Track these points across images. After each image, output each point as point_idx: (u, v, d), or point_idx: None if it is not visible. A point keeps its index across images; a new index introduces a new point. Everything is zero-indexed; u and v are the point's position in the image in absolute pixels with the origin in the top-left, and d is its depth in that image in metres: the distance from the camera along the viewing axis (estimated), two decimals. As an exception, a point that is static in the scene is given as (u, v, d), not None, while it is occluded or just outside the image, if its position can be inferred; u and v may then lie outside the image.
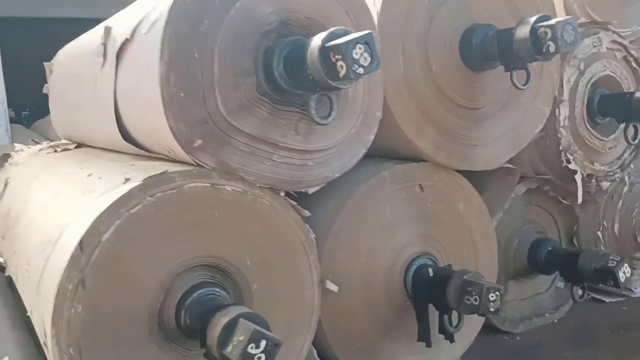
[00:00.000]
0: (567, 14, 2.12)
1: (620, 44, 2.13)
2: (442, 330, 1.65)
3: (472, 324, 1.85)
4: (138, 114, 1.47)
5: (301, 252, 1.49)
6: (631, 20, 2.33)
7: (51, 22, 7.22)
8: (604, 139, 2.12)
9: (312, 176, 1.49)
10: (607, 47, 2.09)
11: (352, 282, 1.63)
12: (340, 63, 1.19)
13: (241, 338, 1.13)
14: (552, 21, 1.52)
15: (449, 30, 1.69)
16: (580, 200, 2.09)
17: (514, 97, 1.82)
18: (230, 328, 1.15)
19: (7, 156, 2.74)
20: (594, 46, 2.06)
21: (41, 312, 1.28)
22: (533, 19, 1.55)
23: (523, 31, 1.55)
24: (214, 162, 1.35)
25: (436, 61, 1.67)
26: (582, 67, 2.02)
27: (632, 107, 1.98)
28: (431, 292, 1.65)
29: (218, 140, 1.34)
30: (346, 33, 1.22)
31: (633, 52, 2.16)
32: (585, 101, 2.05)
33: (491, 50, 1.65)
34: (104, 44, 1.61)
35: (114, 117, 1.58)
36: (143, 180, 1.27)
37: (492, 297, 1.51)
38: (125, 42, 1.47)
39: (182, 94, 1.28)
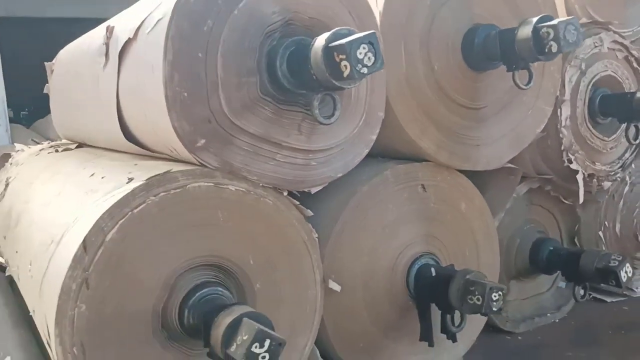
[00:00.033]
0: (568, 14, 2.12)
1: (622, 44, 2.14)
2: (444, 329, 1.65)
3: (474, 324, 1.85)
4: (141, 113, 1.47)
5: (304, 252, 1.49)
6: (632, 20, 2.34)
7: (51, 21, 7.22)
8: (605, 138, 2.13)
9: (315, 176, 1.49)
10: (608, 48, 2.10)
11: (355, 282, 1.63)
12: (344, 63, 1.19)
13: (245, 337, 1.13)
14: (555, 21, 1.52)
15: (451, 30, 1.69)
16: (581, 200, 2.10)
17: (515, 97, 1.83)
18: (234, 327, 1.15)
19: (7, 156, 2.74)
20: (595, 46, 2.07)
21: (44, 311, 1.28)
22: (535, 19, 1.55)
23: (525, 31, 1.56)
24: (217, 162, 1.35)
25: (438, 61, 1.68)
26: (583, 67, 2.03)
27: (633, 107, 1.99)
28: (433, 292, 1.65)
29: (221, 140, 1.34)
30: (350, 33, 1.22)
31: (634, 52, 2.17)
32: (587, 101, 2.05)
33: (493, 50, 1.65)
34: (106, 44, 1.61)
35: (116, 116, 1.58)
36: (146, 180, 1.27)
37: (495, 296, 1.51)
38: (128, 42, 1.47)
39: (186, 94, 1.28)
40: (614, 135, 2.15)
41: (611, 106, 2.06)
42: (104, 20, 1.79)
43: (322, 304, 1.55)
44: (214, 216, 1.35)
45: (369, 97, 1.55)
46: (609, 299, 2.36)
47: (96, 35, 1.78)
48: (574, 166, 2.04)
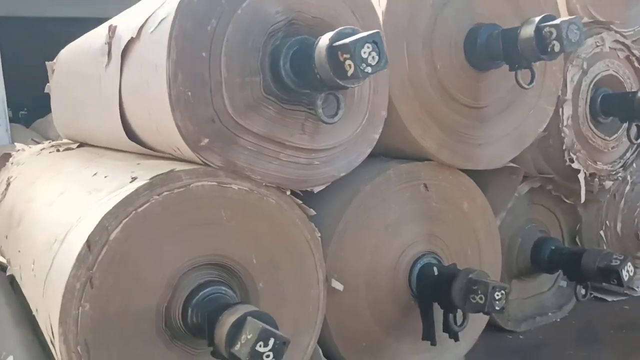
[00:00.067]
0: (569, 14, 2.12)
1: (623, 43, 2.15)
2: (446, 329, 1.65)
3: (476, 323, 1.85)
4: (144, 112, 1.47)
5: (307, 251, 1.49)
6: (634, 20, 2.34)
7: (51, 21, 7.21)
8: (607, 138, 2.13)
9: (318, 175, 1.49)
10: (609, 47, 2.10)
11: (357, 281, 1.63)
12: (348, 62, 1.19)
13: (249, 336, 1.13)
14: (557, 21, 1.52)
15: (454, 29, 1.69)
16: (583, 200, 2.10)
17: (517, 96, 1.83)
18: (238, 326, 1.15)
19: (8, 156, 2.73)
20: (597, 46, 2.07)
21: (48, 310, 1.28)
22: (538, 18, 1.55)
23: (528, 31, 1.56)
24: (221, 161, 1.35)
25: (441, 61, 1.68)
26: (585, 66, 2.03)
27: (635, 106, 1.99)
28: (436, 291, 1.65)
29: (225, 139, 1.34)
30: (354, 32, 1.22)
31: (635, 51, 2.17)
32: (588, 100, 2.06)
33: (496, 50, 1.65)
34: (109, 43, 1.61)
35: (119, 116, 1.58)
36: (150, 179, 1.28)
37: (497, 295, 1.52)
38: (131, 41, 1.47)
39: (190, 93, 1.29)
40: (616, 135, 2.15)
41: (612, 106, 2.07)
42: (104, 20, 1.79)
43: (324, 303, 1.55)
44: (217, 215, 1.35)
45: (372, 97, 1.55)
46: (610, 298, 2.37)
47: (98, 34, 1.78)
48: (575, 165, 2.05)
